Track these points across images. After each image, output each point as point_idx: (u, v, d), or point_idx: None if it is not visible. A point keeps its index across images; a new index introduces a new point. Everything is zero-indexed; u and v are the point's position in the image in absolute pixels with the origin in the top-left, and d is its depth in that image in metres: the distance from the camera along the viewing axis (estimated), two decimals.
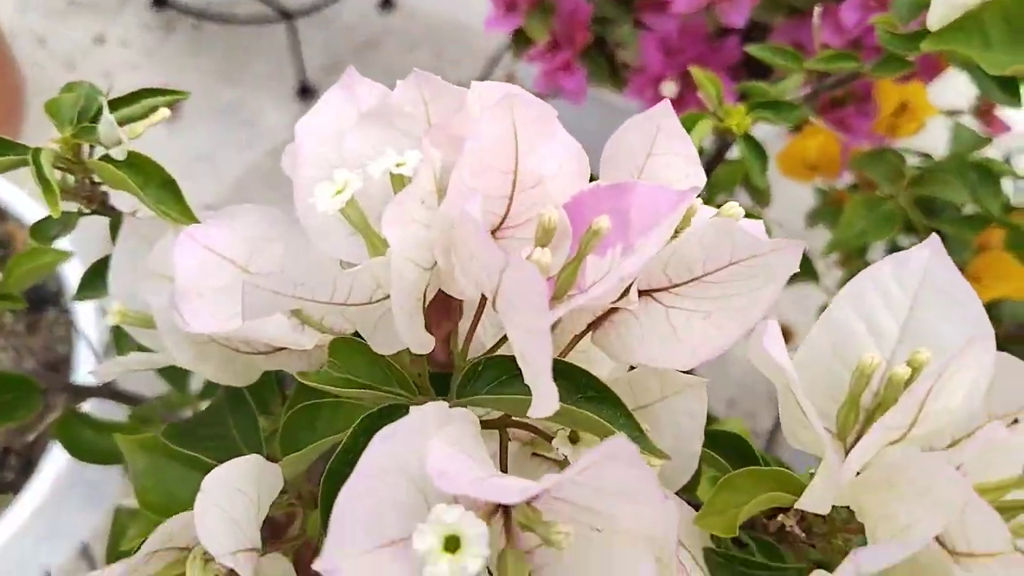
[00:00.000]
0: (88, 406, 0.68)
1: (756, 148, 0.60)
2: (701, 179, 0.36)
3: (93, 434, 0.61)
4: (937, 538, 0.30)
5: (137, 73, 1.44)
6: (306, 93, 1.45)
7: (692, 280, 0.36)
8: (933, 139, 0.94)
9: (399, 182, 0.33)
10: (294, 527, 0.42)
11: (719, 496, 0.36)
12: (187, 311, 0.36)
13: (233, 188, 1.36)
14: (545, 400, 0.30)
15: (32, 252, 0.60)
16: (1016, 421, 0.30)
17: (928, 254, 0.32)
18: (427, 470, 0.28)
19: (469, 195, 0.30)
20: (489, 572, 0.31)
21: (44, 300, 1.04)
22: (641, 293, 0.37)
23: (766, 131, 0.90)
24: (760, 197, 0.66)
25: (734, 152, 0.64)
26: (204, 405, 0.55)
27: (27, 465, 0.97)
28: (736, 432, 0.40)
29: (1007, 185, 0.92)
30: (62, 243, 0.64)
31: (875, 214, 0.73)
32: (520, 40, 0.95)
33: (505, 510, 0.31)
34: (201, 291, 0.36)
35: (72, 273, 1.02)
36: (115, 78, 1.43)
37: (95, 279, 0.52)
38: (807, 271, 0.84)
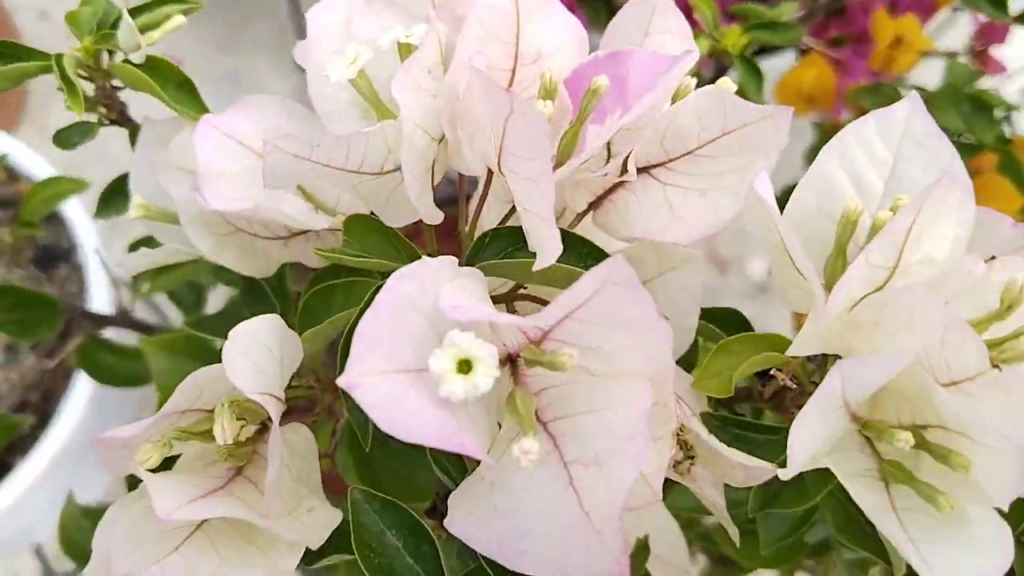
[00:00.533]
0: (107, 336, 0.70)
1: (752, 68, 0.62)
2: (696, 50, 0.37)
3: (114, 358, 0.63)
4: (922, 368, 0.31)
5: None
6: None
7: (688, 153, 0.37)
8: (929, 78, 0.95)
9: (407, 52, 0.35)
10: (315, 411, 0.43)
11: (715, 359, 0.37)
12: (208, 192, 0.38)
13: None
14: (549, 250, 0.32)
15: (49, 181, 0.62)
16: (993, 258, 0.32)
17: (908, 108, 0.33)
18: (440, 306, 0.29)
19: (474, 55, 0.32)
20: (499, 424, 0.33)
21: (56, 256, 1.06)
22: (639, 171, 0.38)
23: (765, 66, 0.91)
24: None
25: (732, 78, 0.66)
26: None
27: (43, 419, 0.99)
28: (732, 309, 0.42)
29: (1004, 126, 0.94)
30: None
31: None
32: None
33: (512, 361, 0.33)
34: (221, 173, 0.38)
35: (82, 227, 1.04)
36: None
37: (113, 196, 0.54)
38: None
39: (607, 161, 0.39)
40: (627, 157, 0.37)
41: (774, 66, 0.92)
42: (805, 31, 0.62)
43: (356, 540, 0.34)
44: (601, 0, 0.98)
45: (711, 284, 1.29)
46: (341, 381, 0.27)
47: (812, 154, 0.88)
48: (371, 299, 0.35)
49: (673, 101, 0.38)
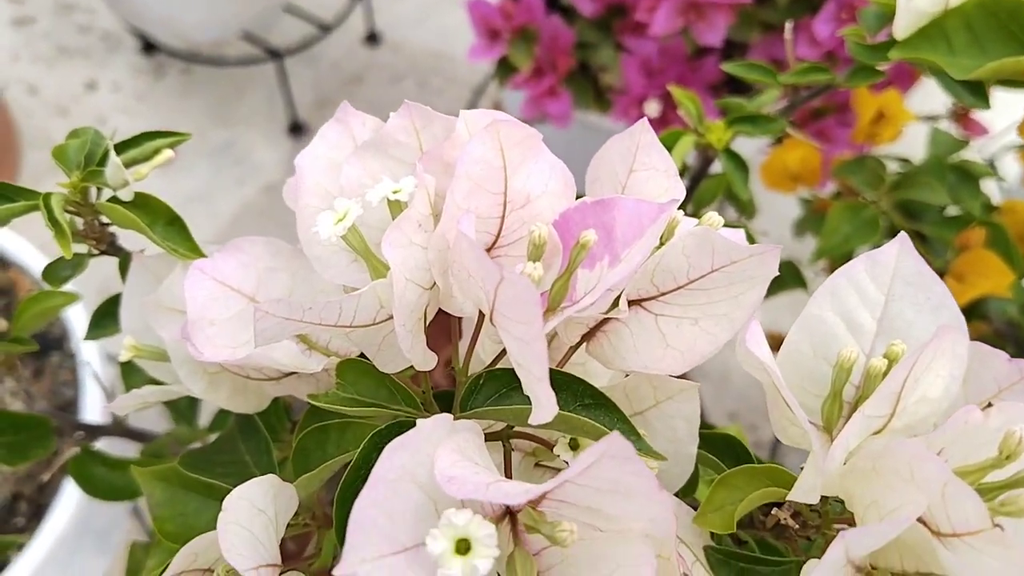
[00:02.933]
0: (100, 445, 0.69)
1: (737, 161, 0.62)
2: (681, 191, 0.38)
3: (106, 471, 0.63)
4: (923, 521, 0.31)
5: (130, 117, 1.46)
6: (297, 130, 1.48)
7: (678, 288, 0.37)
8: (913, 145, 0.96)
9: (396, 207, 0.35)
10: (310, 547, 0.43)
11: (716, 494, 0.37)
12: (199, 341, 0.38)
13: (230, 226, 1.38)
14: (544, 407, 0.32)
15: (40, 295, 0.62)
16: (990, 405, 0.32)
17: (898, 249, 0.34)
18: (436, 477, 0.29)
19: (463, 215, 0.32)
20: (498, 575, 0.32)
21: (48, 345, 1.05)
22: (631, 303, 0.38)
23: (749, 148, 0.92)
24: (744, 209, 0.68)
25: (717, 167, 0.67)
26: (213, 438, 0.56)
27: (37, 511, 0.98)
28: (731, 434, 0.42)
29: (992, 187, 0.95)
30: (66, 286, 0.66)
31: (858, 220, 0.75)
32: (504, 68, 0.97)
33: (512, 515, 0.33)
34: (212, 321, 0.38)
35: (75, 317, 1.03)
36: (108, 123, 1.46)
37: (104, 319, 0.54)
38: (795, 279, 0.86)
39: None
40: (619, 295, 0.37)
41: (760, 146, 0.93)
42: (787, 123, 0.63)
43: None
44: (587, 79, 0.99)
45: None
46: (338, 572, 0.27)
47: (800, 228, 0.89)
48: (363, 462, 0.35)
49: (662, 237, 0.38)
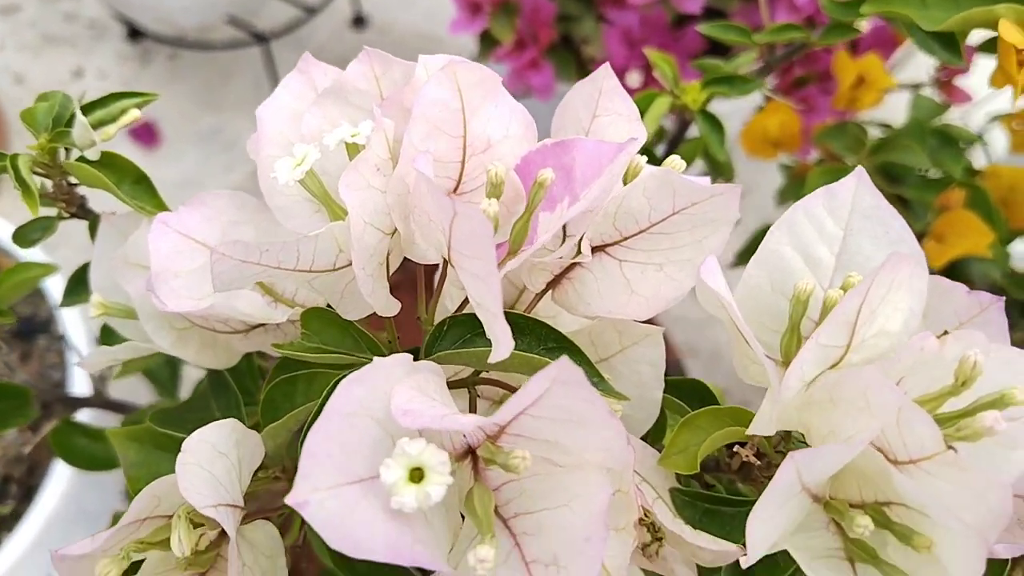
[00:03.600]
0: (86, 420, 0.70)
1: (713, 122, 0.62)
2: (642, 133, 0.38)
3: (88, 441, 0.63)
4: (880, 450, 0.31)
5: None
6: None
7: (640, 232, 0.37)
8: (897, 114, 0.96)
9: (354, 151, 0.35)
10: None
11: (680, 435, 0.37)
12: (163, 292, 0.38)
13: None
14: (501, 343, 0.32)
15: (19, 267, 0.62)
16: (946, 333, 0.32)
17: (855, 183, 0.34)
18: (392, 412, 0.29)
19: (419, 155, 0.32)
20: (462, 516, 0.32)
21: (35, 329, 1.05)
22: (595, 249, 0.38)
23: (729, 113, 0.92)
24: (722, 170, 0.68)
25: (695, 133, 0.67)
26: None
27: (28, 493, 0.98)
28: (697, 380, 0.42)
29: (980, 156, 0.94)
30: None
31: None
32: (487, 42, 0.97)
33: (474, 455, 0.33)
34: (176, 273, 0.38)
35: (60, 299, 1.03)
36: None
37: (79, 285, 0.54)
38: None
39: (562, 242, 0.39)
40: (581, 239, 0.37)
41: (740, 107, 0.93)
42: (764, 83, 0.63)
43: None
44: (569, 51, 0.99)
45: None
46: (289, 500, 0.27)
47: (782, 196, 0.89)
48: (324, 404, 0.35)
49: (625, 180, 0.38)
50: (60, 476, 0.94)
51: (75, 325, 0.98)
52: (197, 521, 0.34)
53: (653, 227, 0.37)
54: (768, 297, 0.35)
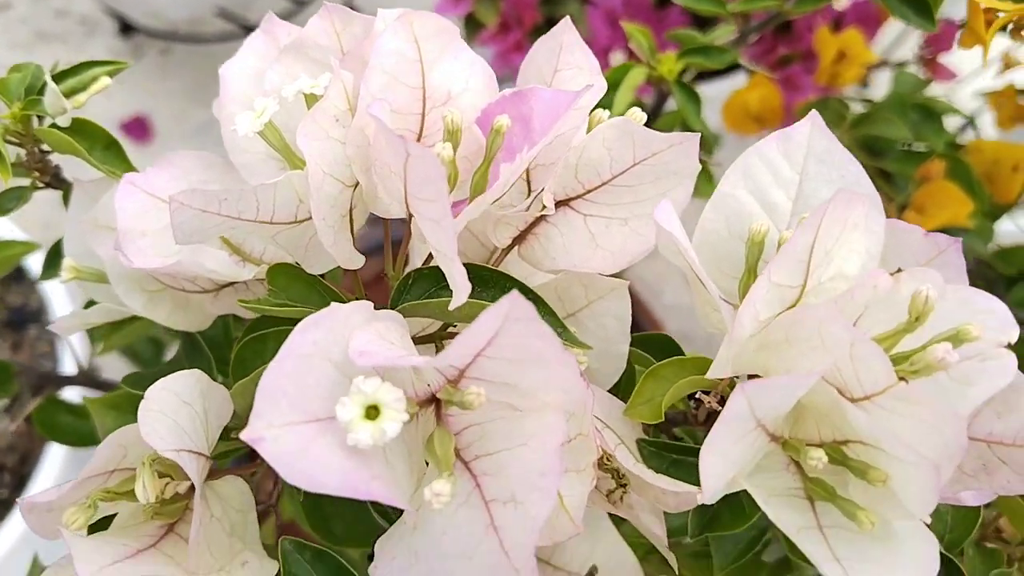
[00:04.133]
0: (68, 395, 0.70)
1: (689, 93, 0.63)
2: (602, 84, 0.38)
3: (71, 418, 0.63)
4: (838, 389, 0.31)
5: (109, 99, 1.46)
6: None
7: (603, 184, 0.38)
8: (882, 91, 0.96)
9: (313, 102, 0.35)
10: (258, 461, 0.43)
11: (645, 386, 0.38)
12: (130, 250, 0.38)
13: None
14: (460, 288, 0.32)
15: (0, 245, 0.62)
16: (900, 270, 0.32)
17: (809, 126, 0.34)
18: (349, 354, 0.30)
19: (375, 102, 0.32)
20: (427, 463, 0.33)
21: (26, 319, 1.06)
22: (559, 204, 0.39)
23: (714, 96, 0.92)
24: (702, 144, 0.68)
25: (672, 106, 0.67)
26: None
27: (20, 481, 0.99)
28: (664, 334, 0.42)
29: (968, 134, 0.94)
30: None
31: None
32: (472, 25, 0.97)
33: (437, 402, 0.33)
34: (143, 232, 0.38)
35: (51, 291, 1.04)
36: (88, 107, 1.45)
37: (57, 259, 0.54)
38: None
39: (527, 196, 0.39)
40: (541, 191, 0.37)
41: (725, 88, 0.93)
42: (740, 54, 0.63)
43: None
44: None
45: None
46: (244, 435, 0.27)
47: None
48: None
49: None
50: (52, 464, 0.95)
51: (65, 313, 0.98)
52: (164, 473, 0.35)
53: (615, 179, 0.37)
54: (726, 243, 0.35)
